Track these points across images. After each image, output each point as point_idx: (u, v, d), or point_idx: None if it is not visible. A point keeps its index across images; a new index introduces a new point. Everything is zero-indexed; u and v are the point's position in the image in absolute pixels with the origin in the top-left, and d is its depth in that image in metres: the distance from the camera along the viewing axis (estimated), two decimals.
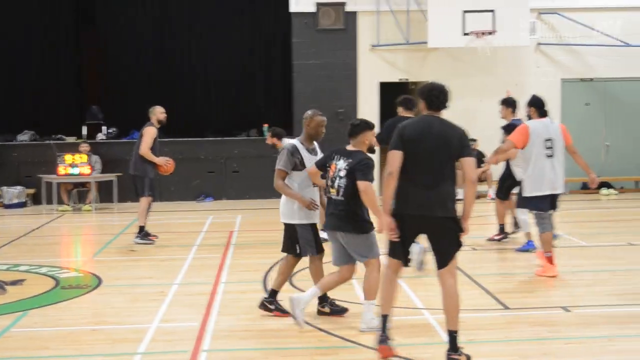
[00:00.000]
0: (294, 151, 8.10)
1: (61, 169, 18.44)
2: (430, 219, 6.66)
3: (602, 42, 19.67)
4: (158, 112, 13.34)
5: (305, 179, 8.11)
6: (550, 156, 9.97)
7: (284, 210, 8.23)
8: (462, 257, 11.24)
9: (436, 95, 6.89)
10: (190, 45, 21.31)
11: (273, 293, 8.46)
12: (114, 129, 20.18)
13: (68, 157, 18.46)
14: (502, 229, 12.81)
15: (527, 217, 12.14)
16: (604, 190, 19.63)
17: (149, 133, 13.13)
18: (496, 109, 19.31)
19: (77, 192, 19.13)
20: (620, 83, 20.22)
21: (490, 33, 18.38)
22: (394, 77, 19.85)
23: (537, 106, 10.24)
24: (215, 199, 19.62)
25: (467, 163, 6.62)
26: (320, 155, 8.19)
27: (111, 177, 18.91)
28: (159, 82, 20.89)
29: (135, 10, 21.26)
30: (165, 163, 13.25)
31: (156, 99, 19.95)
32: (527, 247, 11.78)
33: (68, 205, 18.69)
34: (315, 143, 8.29)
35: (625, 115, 20.27)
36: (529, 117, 10.31)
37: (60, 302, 9.37)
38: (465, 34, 18.47)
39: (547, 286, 9.82)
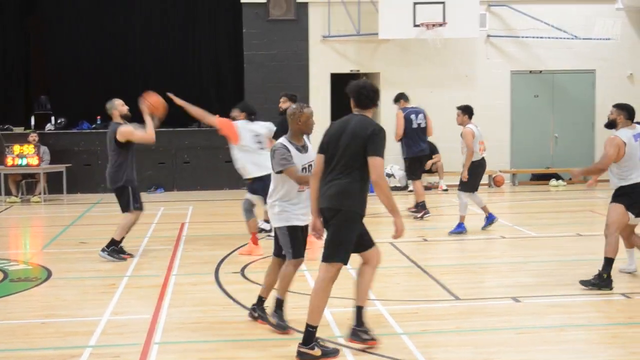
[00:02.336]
0: (286, 150, 7.38)
1: (9, 160, 18.16)
2: (322, 210, 6.73)
3: (551, 35, 19.89)
4: (119, 106, 11.29)
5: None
6: None
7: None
8: (413, 248, 11.40)
9: (365, 95, 6.78)
10: (140, 34, 21.07)
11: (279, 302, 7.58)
12: (63, 120, 19.91)
13: (16, 148, 18.18)
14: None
15: (467, 200, 12.62)
16: (553, 182, 19.87)
17: (125, 134, 11.09)
18: (446, 99, 19.63)
19: (26, 183, 18.86)
20: (568, 75, 20.46)
21: (440, 25, 18.48)
22: (345, 69, 19.87)
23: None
24: (167, 190, 19.50)
25: (371, 163, 6.53)
26: (312, 151, 7.45)
27: (60, 168, 18.66)
28: (107, 72, 20.66)
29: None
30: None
31: (105, 89, 19.88)
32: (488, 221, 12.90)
33: (16, 196, 18.42)
34: (305, 138, 7.61)
35: (573, 107, 20.53)
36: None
37: (9, 295, 9.22)
38: (416, 26, 18.54)
39: (498, 276, 9.92)
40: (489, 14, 19.91)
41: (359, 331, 6.98)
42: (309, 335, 6.70)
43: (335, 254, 6.67)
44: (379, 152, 6.56)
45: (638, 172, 8.97)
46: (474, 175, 12.73)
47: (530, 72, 20.36)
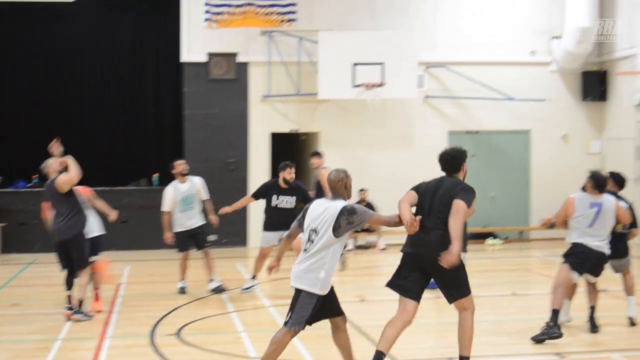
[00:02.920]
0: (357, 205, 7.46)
1: None
2: (419, 256, 7.72)
3: (487, 96, 20.28)
4: (53, 164, 11.12)
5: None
6: None
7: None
8: (351, 309, 11.37)
9: (458, 159, 7.88)
10: (79, 92, 20.81)
11: None
12: None
13: None
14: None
15: None
16: (489, 241, 20.08)
17: (63, 182, 10.85)
18: (385, 160, 19.83)
19: None
20: (504, 135, 20.83)
21: (379, 85, 18.73)
22: (285, 128, 19.99)
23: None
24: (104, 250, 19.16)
25: (454, 204, 7.51)
26: None
27: None
28: (44, 129, 20.38)
29: (17, 53, 20.68)
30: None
31: (42, 146, 19.62)
32: None
33: None
34: None
35: (509, 167, 20.87)
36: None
37: None
38: (355, 86, 18.76)
39: (436, 337, 9.95)
40: (427, 75, 20.24)
41: None
42: None
43: (467, 289, 7.69)
44: (465, 198, 7.49)
45: (579, 234, 9.62)
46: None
47: (467, 132, 20.69)
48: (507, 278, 14.70)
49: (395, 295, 11.30)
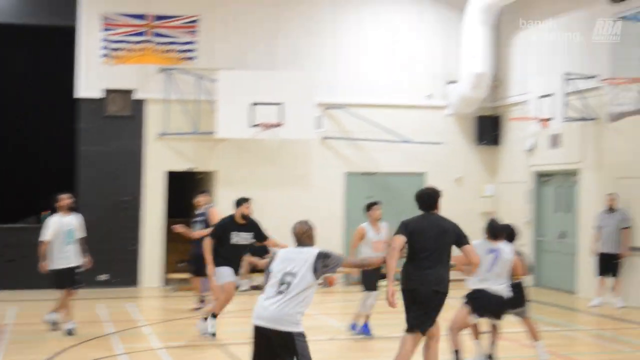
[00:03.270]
0: None
1: None
2: (417, 291, 8.81)
3: (384, 138, 20.48)
4: None
5: None
6: None
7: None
8: (241, 351, 11.19)
9: (434, 198, 9.23)
10: None
11: None
12: None
13: None
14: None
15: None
16: (383, 282, 20.07)
17: None
18: (282, 199, 19.77)
19: None
20: (400, 177, 21.03)
21: (277, 125, 18.70)
22: (181, 166, 19.74)
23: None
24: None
25: (468, 249, 8.85)
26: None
27: None
28: None
29: None
30: None
31: None
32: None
33: None
34: None
35: (404, 208, 20.89)
36: None
37: None
38: (253, 126, 18.69)
39: None
40: (325, 117, 20.33)
41: None
42: None
43: (427, 325, 8.68)
44: (468, 240, 8.77)
45: (479, 280, 10.03)
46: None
47: (364, 173, 20.83)
48: (400, 319, 14.65)
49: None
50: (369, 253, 12.37)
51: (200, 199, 15.50)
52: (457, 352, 9.94)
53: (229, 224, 12.53)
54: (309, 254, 7.37)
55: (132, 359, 10.86)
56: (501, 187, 21.21)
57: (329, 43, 20.61)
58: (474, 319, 10.12)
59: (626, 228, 16.13)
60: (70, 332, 12.55)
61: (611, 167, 16.56)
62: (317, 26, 20.56)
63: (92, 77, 19.32)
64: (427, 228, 8.76)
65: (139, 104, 19.62)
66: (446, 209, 21.27)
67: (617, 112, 13.26)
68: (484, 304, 10.02)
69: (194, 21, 19.46)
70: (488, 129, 21.25)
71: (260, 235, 12.56)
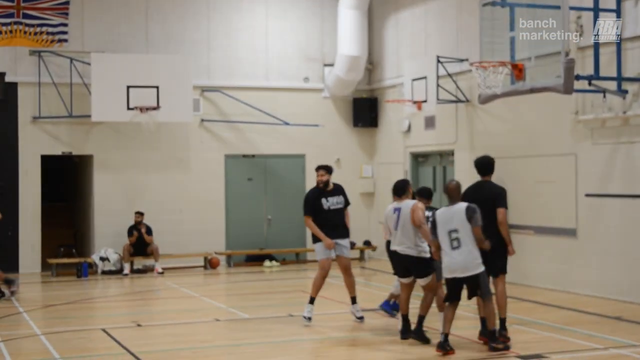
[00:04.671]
0: None
1: None
2: None
3: (263, 120, 20.58)
4: None
5: None
6: None
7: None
8: (126, 335, 11.16)
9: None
10: None
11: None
12: None
13: None
14: None
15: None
16: (267, 263, 20.30)
17: None
18: (161, 183, 19.67)
19: None
20: (280, 159, 21.20)
21: (154, 109, 18.55)
22: (57, 150, 19.34)
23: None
24: None
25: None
26: None
27: None
28: None
29: None
30: None
31: None
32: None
33: None
34: None
35: (285, 190, 21.21)
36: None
37: None
38: (130, 109, 18.48)
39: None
40: (202, 99, 20.28)
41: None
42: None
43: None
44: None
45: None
46: None
47: (244, 156, 20.89)
48: (282, 300, 14.91)
49: (173, 322, 11.21)
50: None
51: None
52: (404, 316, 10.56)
53: (315, 195, 12.19)
54: (460, 209, 9.59)
55: (8, 346, 10.63)
56: (379, 167, 21.62)
57: (204, 26, 20.50)
58: (396, 280, 11.18)
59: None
60: None
61: (483, 148, 17.05)
62: (192, 9, 20.42)
63: None
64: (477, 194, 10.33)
65: (11, 87, 19.10)
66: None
67: (487, 95, 13.69)
68: (394, 265, 10.83)
69: (65, 2, 18.97)
70: (364, 111, 21.60)
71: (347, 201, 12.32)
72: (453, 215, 9.65)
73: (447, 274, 9.72)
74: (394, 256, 10.66)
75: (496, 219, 9.99)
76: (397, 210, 10.49)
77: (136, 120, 18.61)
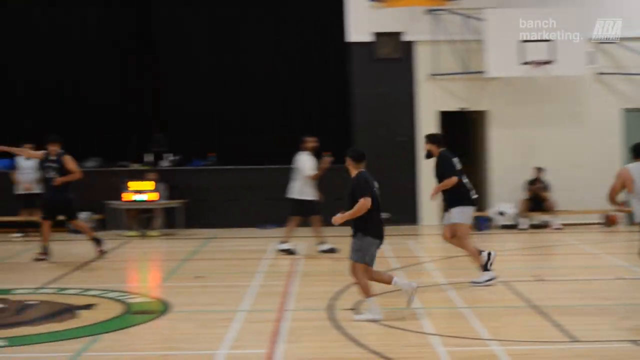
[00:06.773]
0: None
1: (128, 196, 18.82)
2: None
3: None
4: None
5: None
6: None
7: None
8: (527, 288, 11.22)
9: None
10: (248, 73, 21.34)
11: None
12: (177, 157, 20.49)
13: (135, 184, 18.83)
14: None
15: None
16: None
17: None
18: (555, 138, 19.45)
19: (143, 218, 19.27)
20: None
21: (548, 62, 18.37)
22: (453, 106, 19.89)
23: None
24: (279, 226, 19.20)
25: None
26: None
27: (176, 203, 19.33)
28: (219, 109, 21.10)
29: (193, 36, 21.48)
30: None
31: (218, 125, 20.58)
32: None
33: (135, 231, 18.93)
34: None
35: None
36: None
37: (130, 327, 9.53)
38: (524, 63, 18.47)
39: (617, 319, 9.73)
40: (597, 51, 19.60)
41: None
42: None
43: None
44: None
45: None
46: None
47: None
48: None
49: (573, 277, 11.04)
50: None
51: (51, 148, 14.69)
52: None
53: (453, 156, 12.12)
54: None
55: (420, 296, 11.11)
56: None
57: None
58: None
59: None
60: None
61: None
62: None
63: (361, 21, 19.81)
64: None
65: (408, 46, 19.91)
66: None
67: None
68: None
69: None
70: None
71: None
72: None
73: None
74: None
75: None
76: None
77: (530, 74, 18.56)
